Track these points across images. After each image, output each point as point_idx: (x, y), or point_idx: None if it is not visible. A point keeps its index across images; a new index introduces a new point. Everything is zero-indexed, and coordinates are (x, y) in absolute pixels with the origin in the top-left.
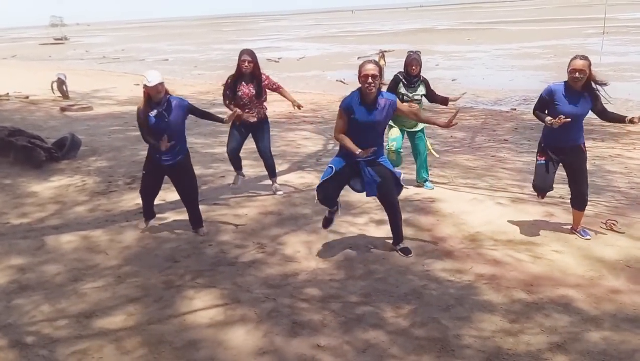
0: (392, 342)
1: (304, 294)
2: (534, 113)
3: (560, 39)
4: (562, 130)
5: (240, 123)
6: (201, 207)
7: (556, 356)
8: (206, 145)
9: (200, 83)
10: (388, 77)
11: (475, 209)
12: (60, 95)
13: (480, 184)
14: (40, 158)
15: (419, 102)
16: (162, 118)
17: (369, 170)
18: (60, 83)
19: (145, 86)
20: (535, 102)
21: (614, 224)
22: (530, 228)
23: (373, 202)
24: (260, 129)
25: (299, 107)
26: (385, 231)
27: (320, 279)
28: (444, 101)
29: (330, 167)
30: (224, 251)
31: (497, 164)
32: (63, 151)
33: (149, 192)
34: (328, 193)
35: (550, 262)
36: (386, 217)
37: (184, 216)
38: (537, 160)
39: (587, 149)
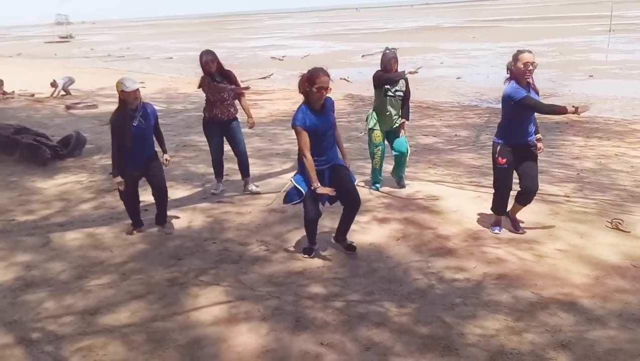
0: (396, 340)
1: (308, 292)
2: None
3: (565, 37)
4: (525, 126)
5: (211, 125)
6: (205, 205)
7: (560, 355)
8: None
9: None
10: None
11: (479, 207)
12: (64, 93)
13: (485, 182)
14: (46, 156)
15: (400, 97)
16: (140, 124)
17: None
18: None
19: (122, 92)
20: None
21: (619, 223)
22: (535, 227)
23: (376, 200)
24: (233, 127)
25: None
26: (388, 229)
27: (323, 277)
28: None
29: (298, 190)
30: (228, 249)
31: None
32: (68, 149)
33: (130, 198)
34: (313, 215)
35: (555, 261)
36: (390, 215)
37: (188, 213)
38: (498, 164)
39: (590, 147)
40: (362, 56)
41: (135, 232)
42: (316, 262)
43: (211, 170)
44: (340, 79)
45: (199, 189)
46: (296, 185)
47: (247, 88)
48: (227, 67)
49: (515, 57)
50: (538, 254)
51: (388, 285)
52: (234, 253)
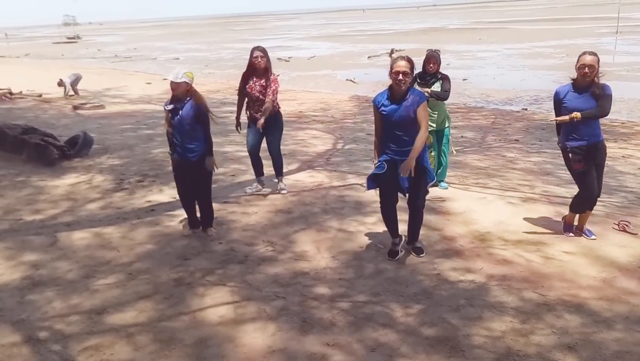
0: (402, 341)
1: (314, 293)
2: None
3: (572, 39)
4: (579, 127)
5: (253, 123)
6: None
7: (567, 357)
8: (216, 144)
9: (211, 82)
10: None
11: (485, 209)
12: (73, 93)
13: (491, 184)
14: (53, 156)
15: (435, 99)
16: (175, 114)
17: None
18: (72, 83)
19: (170, 82)
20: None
21: (626, 225)
22: (541, 228)
23: None
24: (270, 126)
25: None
26: None
27: (329, 278)
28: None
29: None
30: (234, 249)
31: (508, 164)
32: (75, 149)
33: (182, 192)
34: (386, 204)
35: (562, 263)
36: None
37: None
38: (575, 169)
39: None
40: (368, 57)
41: (190, 231)
42: (322, 263)
43: (218, 170)
44: (347, 80)
45: None
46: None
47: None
48: (238, 67)
49: (578, 58)
50: (545, 256)
51: (394, 286)
52: (240, 253)
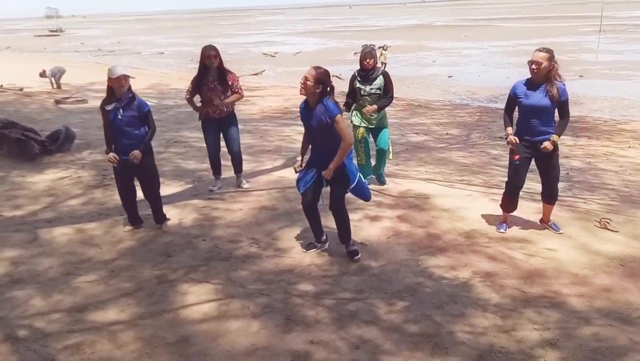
0: (386, 338)
1: (298, 290)
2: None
3: (557, 37)
4: (531, 123)
5: (207, 122)
6: (196, 202)
7: (548, 353)
8: (200, 140)
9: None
10: (389, 71)
11: (469, 206)
12: (56, 86)
13: (475, 181)
14: (34, 151)
15: (378, 95)
16: (116, 114)
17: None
18: (54, 76)
19: (108, 78)
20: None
21: (607, 222)
22: (524, 225)
23: None
24: (229, 125)
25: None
26: (379, 227)
27: (314, 275)
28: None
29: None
30: (218, 246)
31: (492, 161)
32: (57, 144)
33: (124, 192)
34: (306, 200)
35: (544, 260)
36: (381, 213)
37: (179, 210)
38: (511, 160)
39: (579, 146)
40: (354, 53)
41: (129, 228)
42: (306, 260)
43: (202, 166)
44: (333, 76)
45: (190, 186)
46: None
47: (225, 103)
48: (223, 62)
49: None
50: (528, 253)
51: (378, 283)
52: (224, 250)
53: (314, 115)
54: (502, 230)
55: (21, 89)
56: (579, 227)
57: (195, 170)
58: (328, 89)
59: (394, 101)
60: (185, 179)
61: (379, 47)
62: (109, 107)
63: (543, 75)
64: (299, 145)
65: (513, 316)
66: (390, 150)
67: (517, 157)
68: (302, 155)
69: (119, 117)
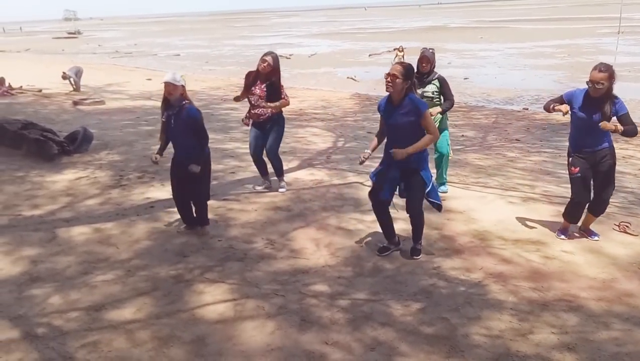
0: (401, 340)
1: (313, 291)
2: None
3: (574, 39)
4: (585, 137)
5: (253, 123)
6: (211, 202)
7: (566, 357)
8: (217, 141)
9: (211, 78)
10: None
11: (485, 208)
12: (76, 87)
13: (491, 183)
14: (53, 152)
15: (431, 99)
16: (169, 122)
17: (399, 177)
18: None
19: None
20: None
21: (627, 226)
22: (541, 228)
23: None
24: (270, 129)
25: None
26: (395, 229)
27: (328, 276)
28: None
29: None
30: (233, 246)
31: (508, 163)
32: (75, 144)
33: (177, 196)
34: (375, 195)
35: (561, 263)
36: (396, 215)
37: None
38: (571, 173)
39: None
40: (369, 55)
41: (183, 228)
42: (321, 261)
43: (217, 167)
44: (348, 77)
45: None
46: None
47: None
48: (238, 64)
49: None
50: (545, 256)
51: (393, 285)
52: (239, 250)
53: (399, 112)
54: (562, 237)
55: (40, 90)
56: (598, 230)
57: (212, 170)
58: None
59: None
60: None
61: (395, 49)
62: (164, 117)
63: (602, 94)
64: (314, 146)
65: (530, 319)
66: (450, 152)
67: (576, 169)
68: (372, 150)
69: (171, 125)
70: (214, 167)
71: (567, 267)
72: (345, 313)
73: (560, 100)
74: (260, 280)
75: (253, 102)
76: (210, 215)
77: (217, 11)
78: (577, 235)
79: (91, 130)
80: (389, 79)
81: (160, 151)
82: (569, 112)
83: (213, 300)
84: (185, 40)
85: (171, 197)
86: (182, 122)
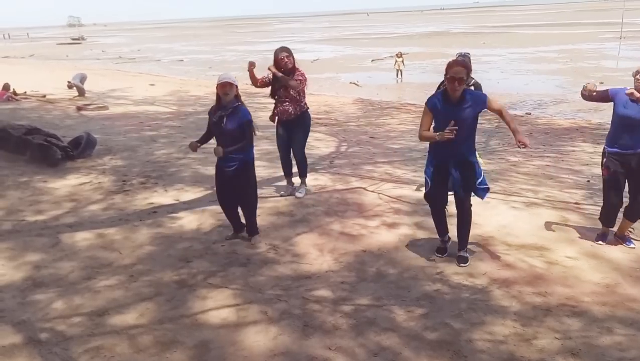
0: (404, 346)
1: (316, 296)
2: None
3: (576, 44)
4: (623, 135)
5: (279, 124)
6: (214, 207)
7: None
8: None
9: (214, 84)
10: (407, 79)
11: (488, 213)
12: (80, 93)
13: (494, 188)
14: (56, 157)
15: None
16: (219, 123)
17: (455, 171)
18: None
19: (216, 85)
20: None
21: (630, 231)
22: (545, 233)
23: (385, 204)
24: (296, 127)
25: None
26: (397, 234)
27: (331, 281)
28: None
29: (426, 180)
30: (236, 252)
31: (511, 168)
32: (79, 150)
33: (224, 200)
34: (434, 197)
35: (565, 268)
36: (399, 220)
37: (197, 216)
38: (603, 175)
39: (600, 154)
40: (372, 60)
41: (230, 235)
42: (324, 266)
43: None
44: (350, 82)
45: (209, 191)
46: (425, 177)
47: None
48: (241, 69)
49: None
50: (548, 261)
51: (396, 291)
52: (243, 256)
53: (462, 107)
54: (600, 243)
55: (44, 96)
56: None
57: (214, 175)
58: None
59: (412, 108)
60: (205, 185)
61: (394, 55)
62: (215, 117)
63: None
64: (317, 151)
65: (533, 324)
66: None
67: (607, 172)
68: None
69: (223, 125)
70: (214, 172)
71: (570, 272)
72: (348, 319)
73: (606, 95)
74: (263, 285)
75: (278, 97)
76: (212, 220)
77: (220, 17)
78: (601, 242)
79: (95, 136)
80: (456, 84)
81: (202, 142)
82: (613, 107)
83: (216, 305)
84: (189, 45)
85: (174, 201)
86: (235, 122)
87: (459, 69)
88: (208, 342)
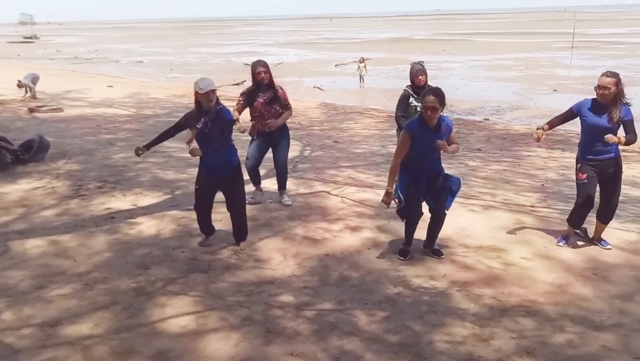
0: (366, 349)
1: (279, 301)
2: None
3: (531, 52)
4: (594, 143)
5: (259, 136)
6: (174, 212)
7: None
8: (180, 150)
9: (175, 86)
10: (370, 84)
11: (448, 216)
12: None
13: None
14: (6, 160)
15: None
16: (204, 129)
17: (427, 185)
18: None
19: (195, 93)
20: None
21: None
22: (502, 235)
23: (349, 208)
24: (280, 138)
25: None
26: (360, 238)
27: (294, 286)
28: None
29: (399, 197)
30: (197, 257)
31: (470, 172)
32: (30, 153)
33: (203, 205)
34: (411, 215)
35: (520, 269)
36: (362, 224)
37: (157, 221)
38: (578, 179)
39: (553, 158)
40: (336, 65)
41: (205, 243)
42: (287, 271)
43: (181, 176)
44: (314, 87)
45: (168, 196)
46: (399, 194)
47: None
48: (204, 72)
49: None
50: (504, 262)
51: (359, 294)
52: (203, 262)
53: (439, 135)
54: (560, 244)
55: None
56: (555, 237)
57: (174, 180)
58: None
59: (375, 113)
60: (164, 190)
61: (357, 60)
62: (199, 125)
63: (610, 99)
64: None
65: (491, 325)
66: None
67: (584, 175)
68: (392, 183)
69: (206, 131)
70: (176, 176)
71: (525, 272)
72: (310, 324)
73: (570, 113)
74: (224, 291)
75: (259, 113)
76: (173, 226)
77: (182, 19)
78: (579, 243)
79: (48, 139)
80: (429, 113)
81: (149, 146)
82: (580, 119)
83: (175, 312)
84: (149, 47)
85: (132, 206)
86: (220, 124)
87: (430, 98)
88: (167, 351)
